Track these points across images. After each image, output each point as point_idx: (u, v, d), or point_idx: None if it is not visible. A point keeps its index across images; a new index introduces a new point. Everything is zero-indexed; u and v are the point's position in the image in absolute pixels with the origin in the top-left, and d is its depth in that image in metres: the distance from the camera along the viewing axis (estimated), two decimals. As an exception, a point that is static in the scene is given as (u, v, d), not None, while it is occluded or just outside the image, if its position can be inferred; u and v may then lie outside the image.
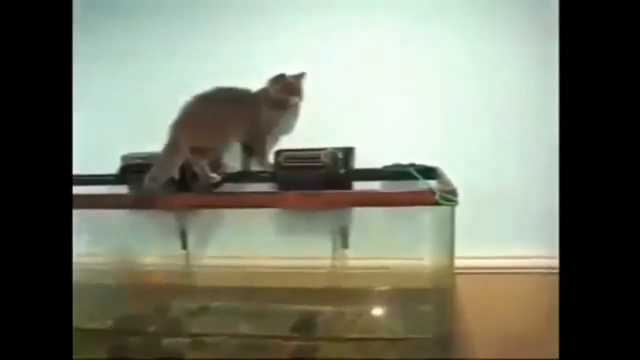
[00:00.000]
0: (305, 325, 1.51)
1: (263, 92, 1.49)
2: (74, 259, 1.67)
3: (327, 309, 1.56)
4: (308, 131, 1.56)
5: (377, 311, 1.57)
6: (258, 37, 1.61)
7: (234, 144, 1.50)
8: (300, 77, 1.51)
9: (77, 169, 1.61)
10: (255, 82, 1.51)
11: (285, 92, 1.49)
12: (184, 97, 1.40)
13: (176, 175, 1.39)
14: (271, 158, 1.50)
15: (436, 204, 1.13)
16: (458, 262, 1.27)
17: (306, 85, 1.55)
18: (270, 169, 1.49)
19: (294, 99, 1.50)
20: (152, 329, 1.56)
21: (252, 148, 1.52)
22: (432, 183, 1.29)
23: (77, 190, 1.55)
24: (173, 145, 1.36)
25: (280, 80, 1.48)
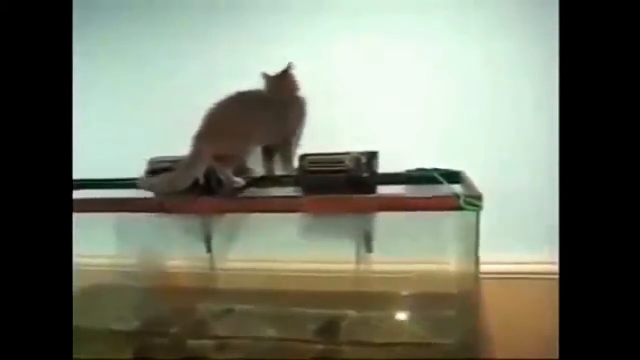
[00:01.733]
0: (329, 329, 1.51)
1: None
2: (103, 262, 1.73)
3: (350, 313, 1.56)
4: (331, 135, 1.56)
5: (401, 316, 1.56)
6: (276, 39, 1.62)
7: (256, 148, 1.50)
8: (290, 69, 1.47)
9: (105, 173, 1.66)
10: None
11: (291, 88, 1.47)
12: (210, 99, 1.41)
13: (188, 184, 1.38)
14: (295, 162, 1.50)
15: (460, 209, 1.12)
16: (482, 267, 1.26)
17: (330, 90, 1.56)
18: (294, 173, 1.47)
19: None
20: (177, 330, 1.58)
21: (278, 151, 1.51)
22: (456, 187, 1.28)
23: (104, 194, 1.59)
24: (194, 156, 1.36)
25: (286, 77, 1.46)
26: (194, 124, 1.43)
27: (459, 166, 1.43)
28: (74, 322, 1.56)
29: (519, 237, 1.50)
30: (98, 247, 1.72)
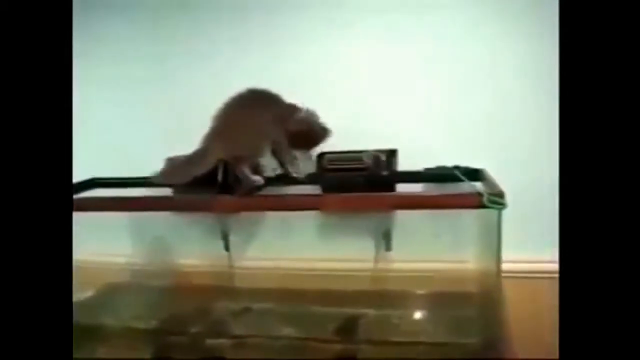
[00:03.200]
0: (347, 328, 1.50)
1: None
2: (121, 260, 1.73)
3: (369, 312, 1.55)
4: (350, 133, 1.55)
5: (420, 315, 1.55)
6: (291, 38, 1.62)
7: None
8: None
9: (122, 171, 1.66)
10: (290, 83, 1.50)
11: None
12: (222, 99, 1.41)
13: (185, 180, 1.36)
14: (313, 161, 1.49)
15: (483, 206, 1.10)
16: (504, 266, 1.24)
17: (348, 87, 1.55)
18: (302, 175, 1.38)
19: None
20: (195, 329, 1.58)
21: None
22: (478, 185, 1.26)
23: (121, 192, 1.60)
24: (199, 154, 1.34)
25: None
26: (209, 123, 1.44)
27: (478, 164, 1.42)
28: (93, 321, 1.59)
29: (538, 236, 1.48)
30: (116, 245, 1.73)
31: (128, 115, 1.78)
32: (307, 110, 1.37)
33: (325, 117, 1.55)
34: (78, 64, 1.75)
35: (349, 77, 1.57)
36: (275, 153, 1.38)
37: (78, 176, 1.62)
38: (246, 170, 1.36)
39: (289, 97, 1.51)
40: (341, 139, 1.50)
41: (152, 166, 1.55)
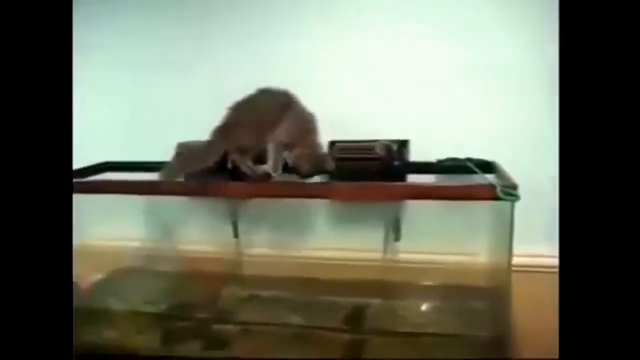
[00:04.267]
0: (355, 317, 1.50)
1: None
2: (132, 245, 1.74)
3: (377, 302, 1.55)
4: (362, 123, 1.55)
5: (429, 306, 1.54)
6: (305, 29, 1.62)
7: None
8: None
9: (133, 155, 1.67)
10: (302, 73, 1.52)
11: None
12: (240, 85, 1.40)
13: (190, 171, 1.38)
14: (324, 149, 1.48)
15: (497, 198, 1.10)
16: (514, 260, 1.24)
17: (360, 78, 1.54)
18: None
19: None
20: (202, 315, 1.58)
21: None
22: (490, 177, 1.26)
23: (133, 176, 1.60)
24: (206, 148, 1.35)
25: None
26: (223, 108, 1.43)
27: (490, 157, 1.41)
28: (103, 304, 1.60)
29: (550, 230, 1.47)
30: (128, 230, 1.74)
31: (140, 100, 1.78)
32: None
33: (338, 106, 1.55)
34: (94, 49, 1.77)
35: (362, 67, 1.57)
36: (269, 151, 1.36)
37: (91, 159, 1.63)
38: (249, 162, 1.35)
39: (301, 86, 1.51)
40: (353, 128, 1.51)
41: (165, 150, 1.57)
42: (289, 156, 1.30)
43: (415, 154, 1.50)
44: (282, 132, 1.32)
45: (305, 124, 1.32)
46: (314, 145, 1.31)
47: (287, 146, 1.31)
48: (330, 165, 1.29)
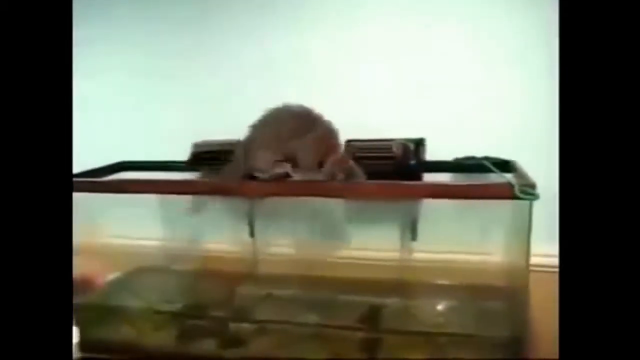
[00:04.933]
0: (371, 317, 1.49)
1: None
2: (148, 244, 1.75)
3: (393, 301, 1.54)
4: (378, 122, 1.54)
5: (445, 306, 1.53)
6: (318, 25, 1.61)
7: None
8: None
9: (148, 155, 1.68)
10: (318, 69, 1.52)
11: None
12: (254, 84, 1.40)
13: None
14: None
15: (515, 197, 1.09)
16: (532, 259, 1.22)
17: (376, 76, 1.53)
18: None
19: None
20: (219, 313, 1.59)
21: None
22: (508, 176, 1.25)
23: (149, 175, 1.61)
24: (235, 163, 1.37)
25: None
26: (237, 108, 1.43)
27: (509, 156, 1.40)
28: (120, 302, 1.61)
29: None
30: (145, 228, 1.74)
31: (155, 100, 1.79)
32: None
33: (354, 105, 1.55)
34: (105, 49, 1.78)
35: (378, 65, 1.56)
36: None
37: (107, 159, 1.64)
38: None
39: (315, 85, 1.51)
40: (369, 127, 1.50)
41: (181, 150, 1.58)
42: (318, 170, 1.29)
43: (432, 153, 1.49)
44: (309, 147, 1.31)
45: (332, 138, 1.32)
46: (343, 156, 1.31)
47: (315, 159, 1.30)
48: (361, 176, 1.28)
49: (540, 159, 1.39)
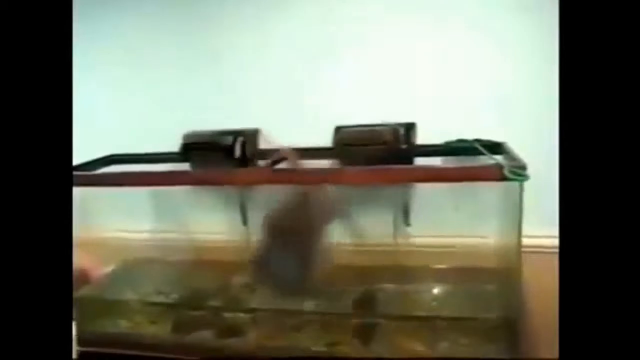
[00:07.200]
0: (366, 302, 1.50)
1: None
2: (142, 236, 1.75)
3: (388, 286, 1.55)
4: (368, 107, 1.53)
5: (439, 289, 1.54)
6: (304, 13, 1.60)
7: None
8: None
9: (140, 147, 1.67)
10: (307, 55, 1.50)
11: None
12: (251, 75, 1.38)
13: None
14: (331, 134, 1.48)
15: (505, 179, 1.09)
16: (524, 241, 1.22)
17: (366, 62, 1.54)
18: None
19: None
20: (214, 303, 1.59)
21: None
22: (499, 158, 1.24)
23: (141, 168, 1.61)
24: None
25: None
26: (227, 99, 1.41)
27: (500, 138, 1.40)
28: (115, 295, 1.61)
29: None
30: (137, 221, 1.74)
31: (144, 93, 1.77)
32: None
33: (343, 91, 1.54)
34: (98, 45, 1.76)
35: (366, 50, 1.55)
36: None
37: (97, 153, 1.63)
38: None
39: (305, 71, 1.50)
40: (359, 112, 1.50)
41: (170, 142, 1.57)
42: None
43: (423, 137, 1.48)
44: None
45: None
46: None
47: None
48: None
49: (532, 140, 1.39)
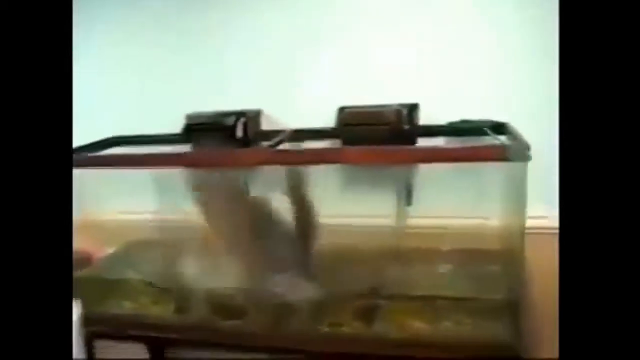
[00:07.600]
0: (370, 283, 1.50)
1: None
2: (144, 217, 1.75)
3: (391, 267, 1.54)
4: (372, 88, 1.52)
5: (442, 270, 1.53)
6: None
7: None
8: None
9: (143, 128, 1.67)
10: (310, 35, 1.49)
11: None
12: (254, 56, 1.37)
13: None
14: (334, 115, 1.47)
15: (508, 159, 1.08)
16: (528, 222, 1.22)
17: (369, 44, 1.53)
18: None
19: None
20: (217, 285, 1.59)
21: None
22: (502, 139, 1.23)
23: (143, 149, 1.60)
24: None
25: None
26: (229, 79, 1.40)
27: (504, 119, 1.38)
28: (119, 276, 1.62)
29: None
30: (140, 203, 1.74)
31: (147, 75, 1.77)
32: None
33: (347, 72, 1.53)
34: (100, 27, 1.75)
35: (370, 30, 1.54)
36: None
37: (99, 135, 1.63)
38: None
39: (308, 52, 1.48)
40: (363, 93, 1.48)
41: (173, 123, 1.57)
42: None
43: (426, 118, 1.47)
44: None
45: None
46: None
47: None
48: None
49: (536, 120, 1.38)
